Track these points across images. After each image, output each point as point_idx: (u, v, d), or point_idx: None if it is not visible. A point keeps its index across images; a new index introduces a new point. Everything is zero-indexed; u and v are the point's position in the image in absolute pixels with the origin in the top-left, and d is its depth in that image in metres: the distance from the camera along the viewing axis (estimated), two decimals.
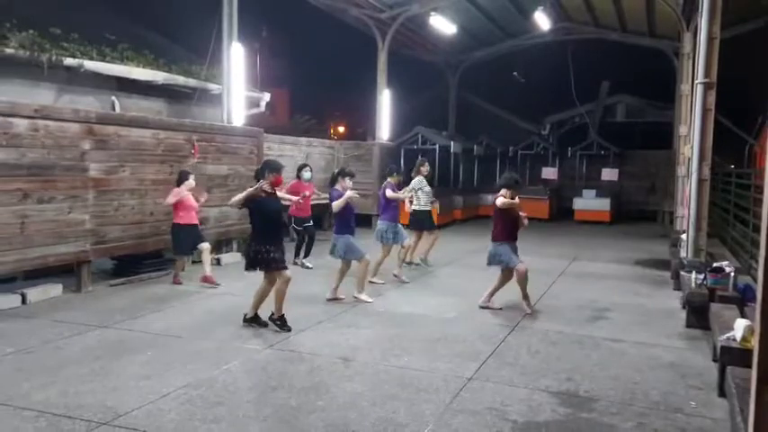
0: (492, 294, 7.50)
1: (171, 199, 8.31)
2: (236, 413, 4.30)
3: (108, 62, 10.36)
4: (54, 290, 7.72)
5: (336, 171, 7.91)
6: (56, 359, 5.36)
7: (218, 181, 10.18)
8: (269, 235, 6.28)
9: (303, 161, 11.87)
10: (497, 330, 6.48)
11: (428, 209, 10.07)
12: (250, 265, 6.33)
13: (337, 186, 7.57)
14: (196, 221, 8.64)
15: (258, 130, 11.69)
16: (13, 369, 5.10)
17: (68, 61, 9.60)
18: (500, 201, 7.23)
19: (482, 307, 7.41)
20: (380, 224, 8.97)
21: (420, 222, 10.04)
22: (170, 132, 9.35)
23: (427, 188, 10.06)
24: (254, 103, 13.74)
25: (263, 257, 6.20)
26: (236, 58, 11.61)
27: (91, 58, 10.04)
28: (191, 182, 8.47)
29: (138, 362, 5.33)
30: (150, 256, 9.31)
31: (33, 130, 7.28)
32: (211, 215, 10.15)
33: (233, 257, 10.37)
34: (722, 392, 4.69)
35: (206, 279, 8.46)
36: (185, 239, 8.53)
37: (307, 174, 10.22)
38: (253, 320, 6.45)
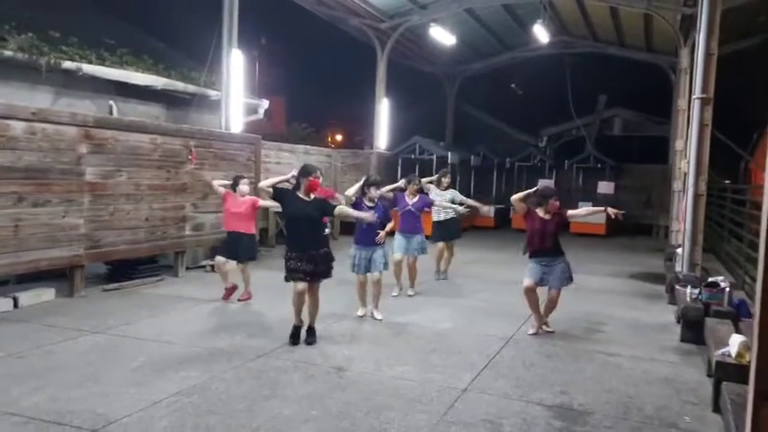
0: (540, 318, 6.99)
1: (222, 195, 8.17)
2: (228, 422, 4.26)
3: (107, 66, 10.35)
4: (46, 294, 7.68)
5: (362, 181, 7.41)
6: (47, 364, 5.32)
7: None
8: (291, 241, 6.21)
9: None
10: (492, 342, 6.46)
11: (445, 218, 9.68)
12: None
13: (365, 199, 7.19)
14: (239, 229, 7.95)
15: (256, 137, 11.69)
16: (3, 374, 5.05)
17: (67, 65, 9.58)
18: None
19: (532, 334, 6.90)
20: (396, 234, 8.52)
21: (438, 234, 9.82)
22: (168, 138, 9.34)
23: (443, 201, 9.61)
24: (252, 110, 13.74)
25: (285, 265, 6.12)
26: (235, 64, 11.65)
27: (89, 62, 10.03)
28: (241, 188, 8.00)
29: (130, 368, 5.29)
30: (144, 262, 9.27)
31: (30, 133, 7.27)
32: (207, 221, 10.13)
33: (229, 265, 10.30)
34: (717, 408, 4.67)
35: (232, 293, 8.11)
36: (223, 245, 8.23)
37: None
38: (292, 330, 6.25)
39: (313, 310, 6.31)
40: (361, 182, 7.47)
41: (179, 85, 11.72)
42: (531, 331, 6.91)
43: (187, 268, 9.97)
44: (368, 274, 7.29)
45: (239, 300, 7.99)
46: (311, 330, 6.29)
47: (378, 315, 7.37)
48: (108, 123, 8.52)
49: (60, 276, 8.13)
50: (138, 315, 7.12)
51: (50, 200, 7.54)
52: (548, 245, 6.78)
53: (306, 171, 6.22)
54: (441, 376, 5.34)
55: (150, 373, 5.19)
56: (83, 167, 7.96)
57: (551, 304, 6.89)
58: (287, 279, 6.16)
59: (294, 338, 6.18)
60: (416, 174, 9.34)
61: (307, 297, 6.21)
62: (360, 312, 7.40)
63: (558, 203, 6.87)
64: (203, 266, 10.33)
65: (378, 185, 7.37)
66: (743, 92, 15.86)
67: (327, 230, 7.59)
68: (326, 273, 6.26)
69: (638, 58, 19.48)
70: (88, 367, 5.27)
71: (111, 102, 10.58)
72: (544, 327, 6.96)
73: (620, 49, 19.82)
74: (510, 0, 16.11)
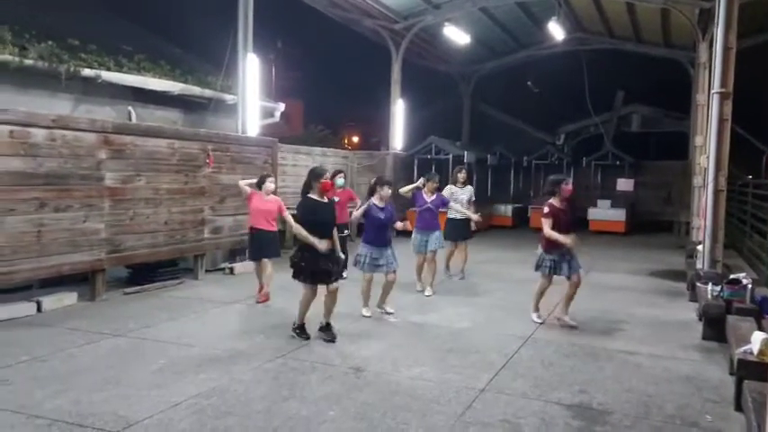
0: (562, 308, 7.18)
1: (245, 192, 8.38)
2: (246, 423, 4.29)
3: (125, 73, 10.47)
4: (69, 298, 7.78)
5: (373, 181, 7.52)
6: (69, 367, 5.40)
7: (233, 191, 10.20)
8: (305, 243, 6.23)
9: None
10: (510, 341, 6.43)
11: (460, 218, 9.63)
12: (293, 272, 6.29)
13: (374, 198, 7.25)
14: (264, 227, 8.13)
15: (272, 140, 11.75)
16: (27, 377, 5.14)
17: (86, 72, 9.71)
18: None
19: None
20: (413, 233, 8.83)
21: (452, 232, 9.81)
22: (185, 142, 9.42)
23: (462, 196, 9.64)
24: (268, 113, 13.83)
25: (294, 264, 6.17)
26: (251, 68, 11.71)
27: (108, 69, 10.15)
28: (267, 185, 8.20)
29: (151, 370, 5.34)
30: (164, 265, 9.36)
31: (51, 139, 7.38)
32: (226, 224, 10.20)
33: (246, 267, 10.39)
34: (739, 406, 4.61)
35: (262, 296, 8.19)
36: (250, 244, 8.41)
37: (340, 180, 9.62)
38: (299, 330, 6.37)
39: (330, 306, 6.35)
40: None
41: (196, 90, 11.83)
42: (534, 318, 7.19)
43: (206, 271, 10.05)
44: (374, 274, 7.33)
45: (257, 302, 8.04)
46: (328, 326, 6.36)
47: (389, 308, 7.49)
48: (126, 129, 8.62)
49: (82, 280, 8.23)
50: (158, 318, 7.20)
51: (71, 205, 7.65)
52: (568, 233, 6.91)
53: (315, 174, 6.24)
54: (458, 376, 5.33)
55: (170, 375, 5.24)
56: (102, 173, 8.06)
57: (575, 289, 7.02)
58: (302, 279, 6.19)
59: (304, 333, 6.32)
60: (434, 172, 9.44)
61: (324, 296, 6.27)
62: (365, 312, 7.40)
63: (570, 187, 7.01)
64: (222, 269, 10.40)
65: (390, 185, 7.46)
66: (763, 86, 15.62)
67: (347, 232, 7.67)
68: (340, 274, 6.35)
69: (656, 53, 19.26)
70: (109, 370, 5.34)
71: (130, 107, 10.71)
72: (566, 319, 7.03)
73: (638, 44, 19.61)
74: None
